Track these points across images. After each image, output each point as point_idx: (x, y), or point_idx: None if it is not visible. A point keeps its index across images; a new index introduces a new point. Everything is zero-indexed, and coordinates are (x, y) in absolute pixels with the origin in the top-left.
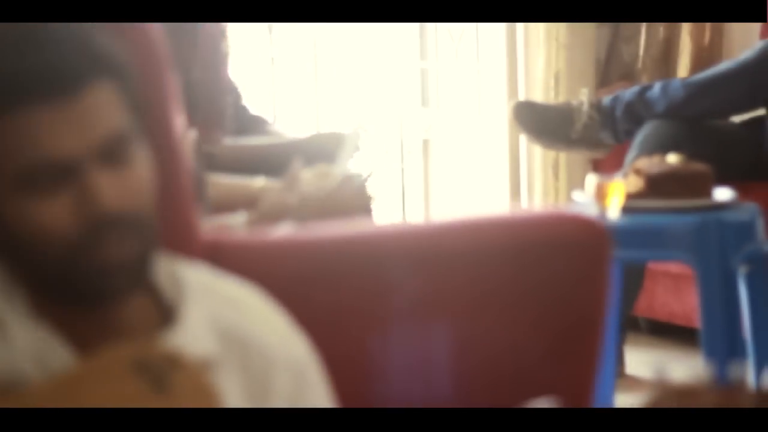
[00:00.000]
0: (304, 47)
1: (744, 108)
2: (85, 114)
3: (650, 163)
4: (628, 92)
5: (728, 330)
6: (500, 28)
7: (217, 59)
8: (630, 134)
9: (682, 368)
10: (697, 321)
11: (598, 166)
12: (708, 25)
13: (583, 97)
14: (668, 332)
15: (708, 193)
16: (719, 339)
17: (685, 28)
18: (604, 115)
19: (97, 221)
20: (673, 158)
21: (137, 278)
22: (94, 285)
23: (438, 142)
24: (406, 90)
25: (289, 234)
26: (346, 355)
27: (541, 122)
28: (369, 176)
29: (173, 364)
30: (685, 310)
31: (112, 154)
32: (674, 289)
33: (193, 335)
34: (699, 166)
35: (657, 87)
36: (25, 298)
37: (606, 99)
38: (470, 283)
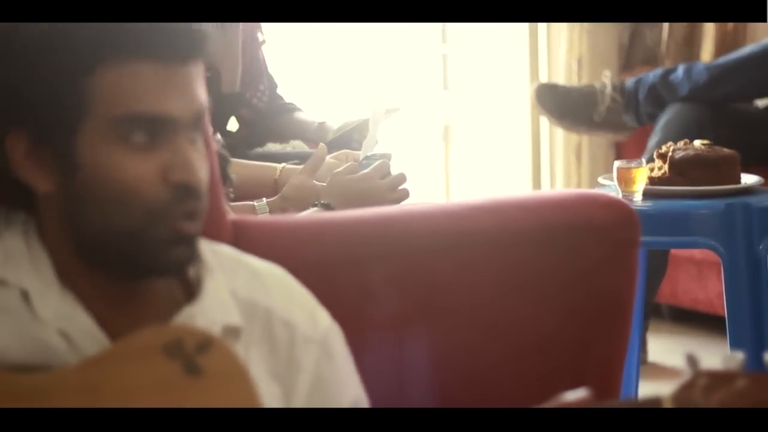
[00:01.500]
0: (324, 33)
1: (766, 91)
2: (187, 83)
3: (675, 148)
4: (652, 75)
5: (754, 316)
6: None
7: (253, 46)
8: (653, 117)
9: (708, 356)
10: (720, 308)
11: (620, 150)
12: None
13: (606, 79)
14: (691, 319)
15: (735, 178)
16: (745, 326)
17: None
18: (627, 98)
19: (182, 187)
20: (698, 143)
21: (195, 253)
22: (164, 254)
23: (459, 127)
24: (428, 75)
25: (315, 216)
26: (374, 338)
27: (564, 104)
28: (389, 159)
29: (205, 345)
30: (709, 297)
31: (197, 128)
32: (698, 276)
33: (215, 307)
34: (725, 151)
35: (680, 70)
36: (53, 267)
37: (629, 82)
38: (498, 266)
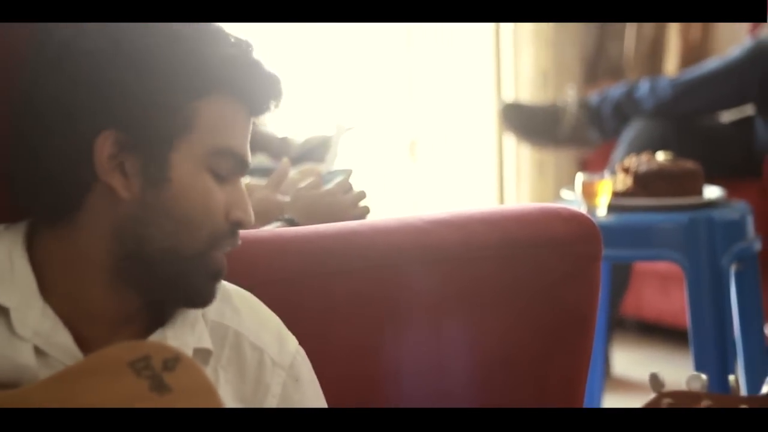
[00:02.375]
0: (289, 45)
1: (732, 106)
2: (249, 132)
3: (639, 162)
4: (616, 91)
5: (718, 329)
6: (487, 26)
7: None
8: (618, 132)
9: (673, 368)
10: (685, 321)
11: (585, 165)
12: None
13: (570, 96)
14: (656, 332)
15: (698, 192)
16: (709, 338)
17: (673, 26)
18: (592, 114)
19: (237, 225)
20: (662, 156)
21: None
22: (207, 286)
23: (425, 143)
24: (392, 89)
25: (278, 230)
26: (338, 352)
27: (529, 123)
28: (350, 174)
29: (172, 362)
30: (673, 310)
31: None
32: (662, 289)
33: (187, 330)
34: (688, 164)
35: (645, 86)
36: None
37: (593, 98)
38: (461, 280)
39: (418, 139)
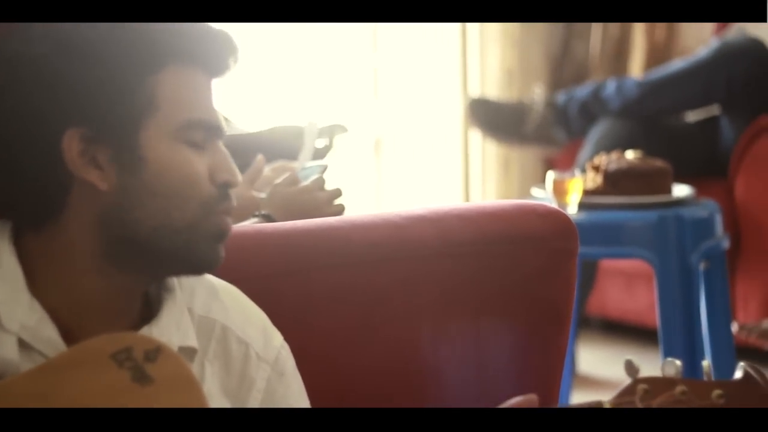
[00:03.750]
0: (252, 42)
1: (698, 106)
2: (213, 96)
3: (608, 160)
4: (583, 90)
5: (687, 327)
6: (454, 25)
7: None
8: (584, 132)
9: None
10: (649, 319)
11: (550, 164)
12: (662, 22)
13: (537, 94)
14: (620, 330)
15: (667, 190)
16: (678, 336)
17: (638, 27)
18: (558, 113)
19: (225, 186)
20: (631, 154)
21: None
22: (212, 249)
23: (390, 140)
24: (358, 87)
25: (258, 226)
26: (318, 348)
27: (496, 119)
28: (325, 170)
29: (153, 353)
30: (638, 308)
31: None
32: (626, 288)
33: (173, 328)
34: (657, 163)
35: (612, 85)
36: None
37: (560, 97)
38: (438, 276)
39: (383, 137)
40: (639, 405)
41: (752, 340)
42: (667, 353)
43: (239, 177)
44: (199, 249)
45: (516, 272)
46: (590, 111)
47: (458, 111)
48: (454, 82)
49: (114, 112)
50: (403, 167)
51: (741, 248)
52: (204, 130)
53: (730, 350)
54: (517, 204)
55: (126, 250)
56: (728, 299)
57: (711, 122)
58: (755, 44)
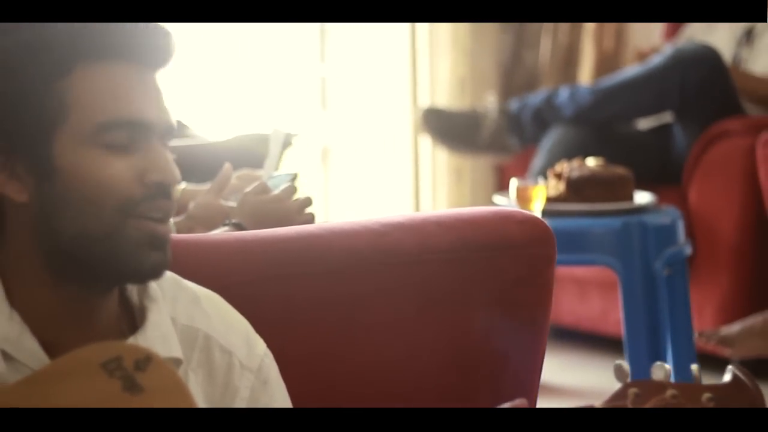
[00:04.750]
0: (200, 48)
1: (651, 113)
2: (158, 91)
3: (570, 167)
4: (536, 98)
5: (651, 332)
6: (404, 33)
7: None
8: (537, 139)
9: (591, 372)
10: (602, 326)
11: (502, 172)
12: (610, 30)
13: (490, 102)
14: (573, 338)
15: (629, 197)
16: (642, 341)
17: (588, 34)
18: (512, 121)
19: (157, 186)
20: (592, 162)
21: (169, 258)
22: (139, 258)
23: (338, 149)
24: (305, 95)
25: (239, 234)
26: (298, 355)
27: (449, 128)
28: (295, 178)
29: (144, 362)
30: (591, 315)
31: (168, 138)
32: (579, 295)
33: (158, 339)
34: (619, 170)
35: (565, 92)
36: (3, 289)
37: (513, 104)
38: (418, 283)
39: (331, 146)
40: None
41: (711, 347)
42: (632, 359)
43: (175, 175)
44: (130, 255)
45: (495, 279)
46: (544, 118)
47: (408, 119)
48: (403, 90)
49: (24, 122)
50: (351, 176)
51: (695, 255)
52: (127, 130)
53: (691, 356)
54: (494, 211)
55: (63, 262)
56: (689, 305)
57: (664, 130)
58: (709, 51)
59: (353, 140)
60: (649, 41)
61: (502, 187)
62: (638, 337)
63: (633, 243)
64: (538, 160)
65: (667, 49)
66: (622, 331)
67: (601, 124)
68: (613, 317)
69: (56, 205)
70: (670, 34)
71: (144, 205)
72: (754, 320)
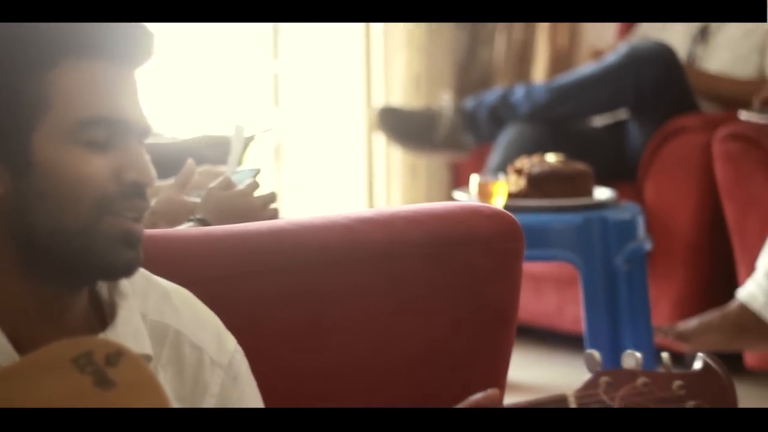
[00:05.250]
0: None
1: (607, 110)
2: (136, 90)
3: (531, 163)
4: (491, 95)
5: (611, 327)
6: (358, 30)
7: None
8: (493, 137)
9: (547, 368)
10: (557, 322)
11: (457, 169)
12: (564, 28)
13: (446, 101)
14: (528, 334)
15: (589, 193)
16: (603, 337)
17: (542, 31)
18: (468, 119)
19: (133, 185)
20: (552, 158)
21: (141, 256)
22: (113, 255)
23: (292, 146)
24: (258, 92)
25: (209, 229)
26: (268, 350)
27: (405, 127)
28: (258, 173)
29: (115, 357)
30: (547, 311)
31: (145, 134)
32: (535, 291)
33: (128, 335)
34: (579, 166)
35: (520, 90)
36: None
37: (469, 102)
38: (388, 278)
39: (284, 144)
40: (603, 397)
41: (668, 342)
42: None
43: (151, 175)
44: (104, 253)
45: (465, 273)
46: (499, 116)
47: (362, 116)
48: (358, 87)
49: (3, 115)
50: (305, 173)
51: (651, 251)
52: (107, 128)
53: (650, 352)
54: (463, 205)
55: (36, 257)
56: (648, 301)
57: (618, 126)
58: (663, 49)
59: (307, 137)
60: (603, 39)
61: (458, 184)
62: (599, 333)
63: (594, 238)
64: (494, 158)
65: (622, 48)
66: (578, 327)
67: (556, 121)
68: (569, 313)
69: (32, 200)
70: (624, 32)
71: (119, 203)
72: (711, 316)
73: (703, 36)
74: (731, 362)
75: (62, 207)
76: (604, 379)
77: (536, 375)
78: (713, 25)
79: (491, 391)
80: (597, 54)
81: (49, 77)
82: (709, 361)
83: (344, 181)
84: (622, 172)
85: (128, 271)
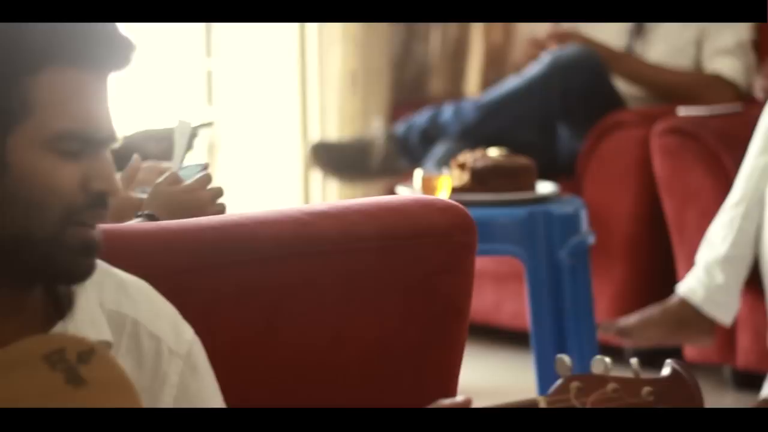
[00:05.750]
0: None
1: (536, 122)
2: (107, 98)
3: (473, 158)
4: (421, 118)
5: (556, 322)
6: (293, 26)
7: None
8: (426, 157)
9: (483, 364)
10: (494, 318)
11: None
12: (498, 24)
13: (377, 128)
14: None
15: (531, 187)
16: (548, 331)
17: (476, 28)
18: (400, 144)
19: (99, 196)
20: (495, 152)
21: (96, 262)
22: (74, 262)
23: (226, 143)
24: (191, 90)
25: (164, 223)
26: (224, 345)
27: (339, 160)
28: (206, 168)
29: (86, 354)
30: (484, 308)
31: (112, 142)
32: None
33: (87, 323)
34: (522, 160)
35: (448, 111)
36: None
37: (399, 128)
38: (342, 271)
39: (217, 141)
40: (574, 402)
41: (609, 338)
42: (539, 348)
43: (117, 186)
44: (63, 260)
45: (418, 267)
46: (431, 138)
47: (298, 115)
48: (293, 84)
49: None
50: (239, 171)
51: (590, 246)
52: (82, 140)
53: (593, 347)
54: (416, 199)
55: None
56: (591, 295)
57: (547, 130)
58: (587, 55)
59: (241, 135)
60: (536, 35)
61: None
62: (544, 326)
63: (538, 232)
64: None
65: (546, 58)
66: (516, 322)
67: (487, 138)
68: (507, 309)
69: (1, 203)
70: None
71: (84, 213)
72: (652, 311)
73: (639, 30)
74: (671, 356)
75: (30, 214)
76: (574, 384)
77: (474, 372)
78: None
79: (464, 398)
80: (535, 45)
81: (32, 83)
82: (676, 367)
83: (279, 179)
84: (554, 171)
85: (84, 277)
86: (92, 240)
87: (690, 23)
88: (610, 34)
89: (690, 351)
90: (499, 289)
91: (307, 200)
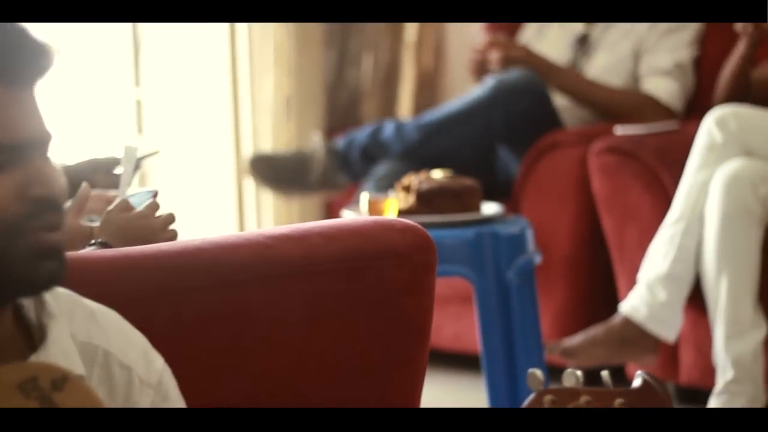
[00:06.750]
0: None
1: (478, 145)
2: (34, 106)
3: (419, 179)
4: (361, 134)
5: (505, 340)
6: (224, 51)
7: None
8: (367, 174)
9: (431, 386)
10: (443, 340)
11: (330, 205)
12: (429, 48)
13: (316, 142)
14: None
15: (477, 207)
16: (498, 351)
17: (408, 52)
18: (340, 159)
19: (40, 201)
20: (439, 173)
21: (64, 266)
22: (32, 270)
23: (156, 173)
24: (120, 119)
25: (125, 250)
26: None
27: (277, 173)
28: (156, 195)
29: (60, 382)
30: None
31: (46, 150)
32: None
33: (60, 356)
34: (467, 181)
35: (389, 128)
36: None
37: (339, 142)
38: (304, 294)
39: (148, 170)
40: None
41: (554, 358)
42: (490, 368)
43: (58, 185)
44: (18, 273)
45: (380, 288)
46: (372, 155)
47: (230, 140)
48: (225, 111)
49: None
50: (171, 199)
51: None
52: (5, 153)
53: (542, 366)
54: (375, 220)
55: None
56: (538, 315)
57: (490, 150)
58: (530, 79)
59: (173, 163)
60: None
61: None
62: (494, 346)
63: (487, 252)
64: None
65: (489, 82)
66: (456, 344)
67: (428, 159)
68: (447, 332)
69: None
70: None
71: (29, 221)
72: (595, 331)
73: (582, 43)
74: (614, 375)
75: None
76: (548, 397)
77: (425, 395)
78: (595, 31)
79: None
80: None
81: None
82: (647, 378)
83: (213, 207)
84: (493, 191)
85: (49, 283)
86: (48, 243)
87: (631, 32)
88: (551, 47)
89: (633, 369)
90: (439, 311)
91: (242, 227)
